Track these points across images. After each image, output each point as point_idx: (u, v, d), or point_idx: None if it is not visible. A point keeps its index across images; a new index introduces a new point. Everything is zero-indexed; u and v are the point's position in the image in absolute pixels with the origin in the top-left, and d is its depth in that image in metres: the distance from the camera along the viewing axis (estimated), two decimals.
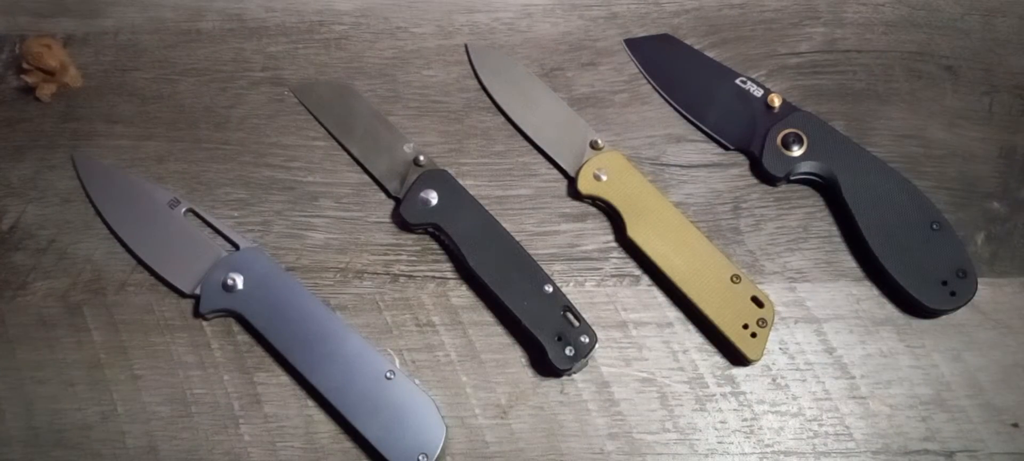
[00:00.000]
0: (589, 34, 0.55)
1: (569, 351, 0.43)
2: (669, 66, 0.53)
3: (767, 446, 0.44)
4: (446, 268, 0.48)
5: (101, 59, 0.55)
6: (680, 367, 0.45)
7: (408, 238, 0.49)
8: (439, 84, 0.54)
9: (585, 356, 0.44)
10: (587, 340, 0.44)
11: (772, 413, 0.44)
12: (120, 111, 0.53)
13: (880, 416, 0.44)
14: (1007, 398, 0.44)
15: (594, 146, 0.50)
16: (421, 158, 0.50)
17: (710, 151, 0.51)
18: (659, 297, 0.47)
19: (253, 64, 0.54)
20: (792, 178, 0.50)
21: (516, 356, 0.46)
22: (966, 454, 0.43)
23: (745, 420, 0.44)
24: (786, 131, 0.49)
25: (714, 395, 0.45)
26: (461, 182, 0.49)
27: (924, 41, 0.54)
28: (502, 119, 0.53)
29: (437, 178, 0.48)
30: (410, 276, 0.48)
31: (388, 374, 0.43)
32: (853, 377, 0.45)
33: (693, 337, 0.46)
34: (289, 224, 0.49)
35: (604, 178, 0.48)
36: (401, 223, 0.49)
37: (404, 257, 0.48)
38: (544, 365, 0.45)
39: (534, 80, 0.53)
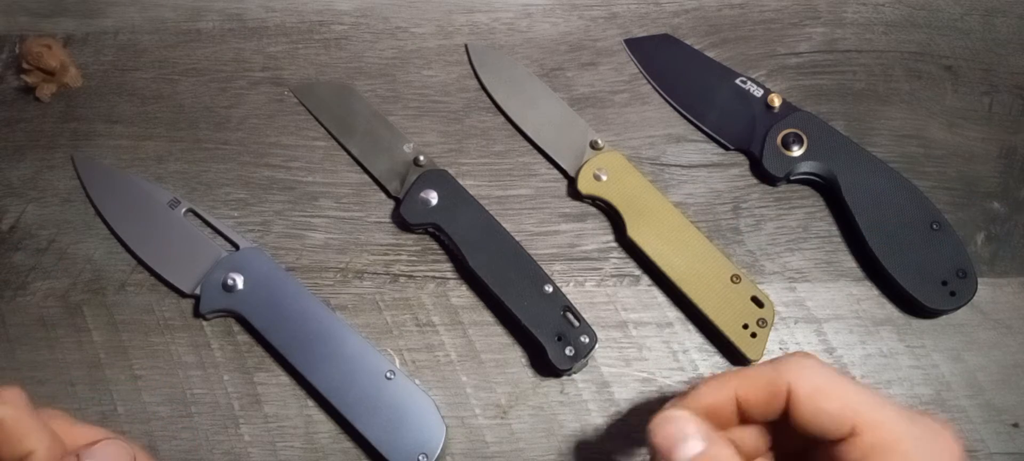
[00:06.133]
0: (589, 34, 0.55)
1: (569, 351, 0.43)
2: (669, 66, 0.53)
3: None
4: (446, 268, 0.48)
5: (101, 59, 0.55)
6: (680, 367, 0.45)
7: (408, 238, 0.49)
8: (439, 84, 0.54)
9: (585, 356, 0.44)
10: (587, 340, 0.44)
11: None
12: (120, 111, 0.53)
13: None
14: (1007, 398, 0.44)
15: (594, 146, 0.50)
16: (421, 158, 0.50)
17: (710, 151, 0.51)
18: (659, 297, 0.47)
19: (253, 64, 0.54)
20: (792, 178, 0.50)
21: (516, 356, 0.46)
22: (966, 454, 0.43)
23: None
24: (786, 131, 0.49)
25: None
26: (461, 182, 0.49)
27: (924, 41, 0.54)
28: (502, 119, 0.53)
29: (437, 178, 0.48)
30: (410, 276, 0.48)
31: (388, 374, 0.43)
32: (853, 377, 0.45)
33: (693, 337, 0.46)
34: (289, 224, 0.49)
35: (604, 178, 0.48)
36: (401, 223, 0.49)
37: (404, 257, 0.48)
38: (544, 365, 0.45)
39: (534, 80, 0.53)
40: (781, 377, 0.32)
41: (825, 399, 0.32)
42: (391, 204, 0.50)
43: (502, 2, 0.56)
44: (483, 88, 0.53)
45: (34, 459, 0.32)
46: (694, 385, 0.35)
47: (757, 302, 0.45)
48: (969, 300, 0.45)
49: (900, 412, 0.32)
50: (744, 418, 0.34)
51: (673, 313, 0.47)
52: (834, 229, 0.49)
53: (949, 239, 0.46)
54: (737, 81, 0.52)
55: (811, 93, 0.53)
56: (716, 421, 0.33)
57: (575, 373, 0.45)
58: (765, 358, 0.45)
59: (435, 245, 0.49)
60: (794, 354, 0.34)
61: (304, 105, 0.53)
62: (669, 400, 0.35)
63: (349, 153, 0.51)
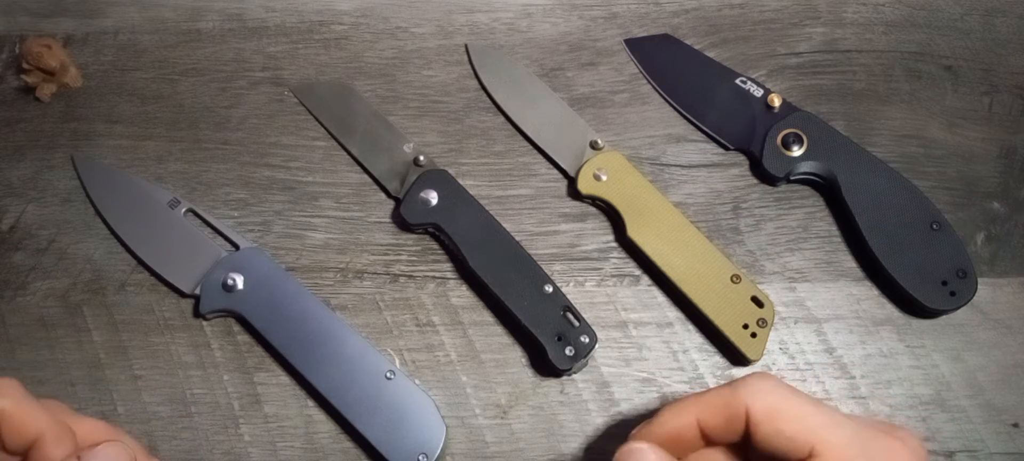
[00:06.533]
0: (589, 34, 0.55)
1: (569, 351, 0.43)
2: (669, 66, 0.53)
3: None
4: (446, 268, 0.48)
5: (101, 59, 0.55)
6: (680, 367, 0.45)
7: (408, 238, 0.49)
8: (439, 84, 0.54)
9: (585, 356, 0.44)
10: (587, 340, 0.44)
11: None
12: (120, 111, 0.53)
13: (880, 416, 0.44)
14: (1007, 398, 0.44)
15: (594, 146, 0.50)
16: (421, 158, 0.50)
17: (710, 151, 0.51)
18: (659, 297, 0.47)
19: (253, 64, 0.54)
20: (792, 178, 0.50)
21: (516, 356, 0.46)
22: (966, 454, 0.43)
23: None
24: (786, 131, 0.49)
25: None
26: (461, 182, 0.49)
27: (924, 41, 0.54)
28: (502, 119, 0.53)
29: (437, 178, 0.48)
30: (410, 276, 0.48)
31: (388, 374, 0.43)
32: (853, 377, 0.45)
33: (693, 337, 0.46)
34: (289, 224, 0.49)
35: (604, 178, 0.48)
36: (401, 223, 0.49)
37: (404, 257, 0.48)
38: (544, 365, 0.45)
39: (534, 80, 0.53)
40: (739, 400, 0.33)
41: (782, 421, 0.32)
42: (391, 204, 0.50)
43: (502, 2, 0.56)
44: (483, 88, 0.53)
45: (43, 442, 0.32)
46: (658, 412, 0.35)
47: (757, 302, 0.45)
48: (969, 300, 0.45)
49: (858, 432, 0.32)
50: (709, 441, 0.34)
51: (673, 313, 0.47)
52: (834, 229, 0.49)
53: (949, 239, 0.46)
54: (737, 81, 0.52)
55: (811, 93, 0.53)
56: (680, 446, 0.34)
57: (575, 373, 0.45)
58: (766, 358, 0.45)
59: (435, 245, 0.49)
60: (754, 375, 0.34)
61: (304, 105, 0.53)
62: (639, 424, 0.36)
63: (349, 153, 0.51)
